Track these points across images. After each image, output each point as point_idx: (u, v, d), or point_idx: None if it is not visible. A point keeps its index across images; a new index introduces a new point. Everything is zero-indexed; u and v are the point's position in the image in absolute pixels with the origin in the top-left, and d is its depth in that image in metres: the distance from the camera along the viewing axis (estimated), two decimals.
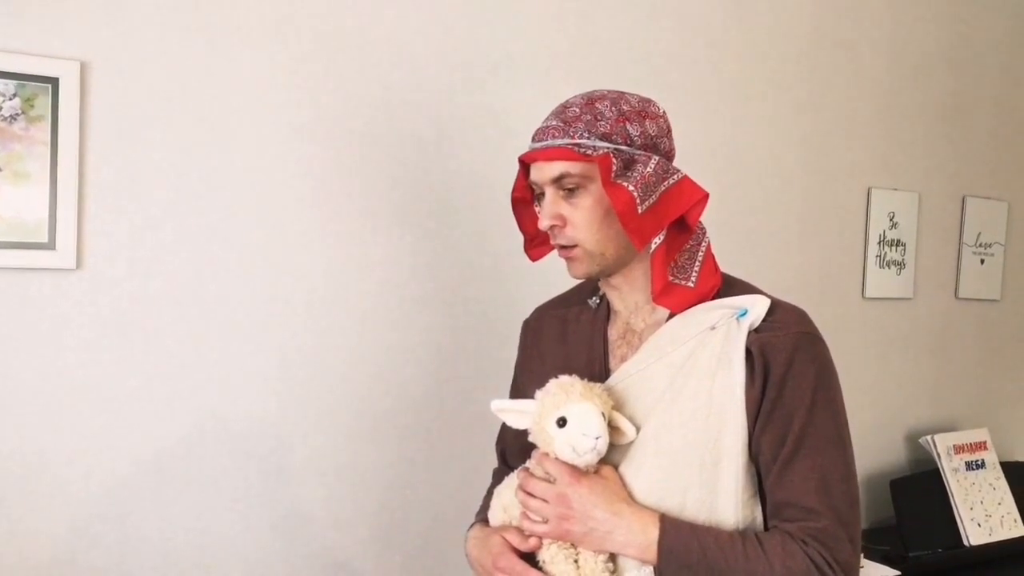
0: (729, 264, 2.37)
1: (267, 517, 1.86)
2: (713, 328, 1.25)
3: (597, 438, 1.20)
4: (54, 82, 1.62)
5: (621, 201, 1.21)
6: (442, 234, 2.02)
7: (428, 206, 2.00)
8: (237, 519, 1.83)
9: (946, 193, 2.89)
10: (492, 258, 2.09)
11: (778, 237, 2.52)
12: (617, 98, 1.29)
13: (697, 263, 1.30)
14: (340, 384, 1.93)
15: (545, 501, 1.23)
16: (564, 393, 1.23)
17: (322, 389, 1.91)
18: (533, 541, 1.26)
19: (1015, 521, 2.70)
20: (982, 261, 2.99)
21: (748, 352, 1.22)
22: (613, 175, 1.21)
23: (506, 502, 1.34)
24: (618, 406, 1.27)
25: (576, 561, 1.24)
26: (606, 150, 1.23)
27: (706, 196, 1.26)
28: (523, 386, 1.43)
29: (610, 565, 1.22)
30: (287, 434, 1.87)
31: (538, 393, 1.26)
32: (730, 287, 1.33)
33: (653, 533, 1.18)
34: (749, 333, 1.23)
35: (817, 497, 1.18)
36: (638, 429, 1.25)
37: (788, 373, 1.21)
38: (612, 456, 1.26)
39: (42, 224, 1.63)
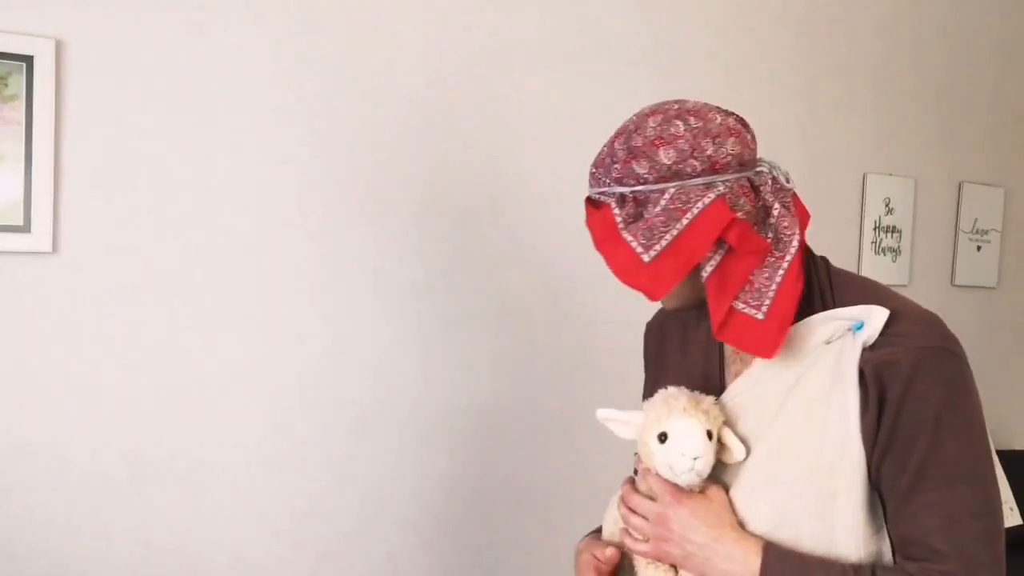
0: None
1: (250, 507, 1.83)
2: (828, 343, 1.11)
3: (696, 459, 1.11)
4: (28, 60, 1.58)
5: (616, 263, 1.12)
6: (430, 221, 1.98)
7: (415, 193, 1.97)
8: (219, 509, 1.80)
9: (942, 179, 2.86)
10: (481, 246, 2.05)
11: None
12: (636, 128, 1.14)
13: (775, 284, 1.11)
14: (325, 372, 1.89)
15: (646, 519, 1.18)
16: (667, 407, 1.15)
17: (306, 377, 1.87)
18: (610, 551, 1.23)
19: (1011, 510, 2.68)
20: (978, 248, 2.95)
21: (862, 373, 1.07)
22: (620, 226, 1.12)
23: (616, 515, 1.26)
24: (731, 423, 1.17)
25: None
26: (611, 200, 1.14)
27: (733, 219, 1.09)
28: (651, 393, 1.28)
29: None
30: (270, 423, 1.84)
31: (645, 404, 1.19)
32: (846, 289, 1.16)
33: (755, 563, 1.09)
34: (864, 350, 1.08)
35: (942, 536, 1.04)
36: (749, 450, 1.15)
37: (907, 395, 1.05)
38: (724, 476, 1.17)
39: (17, 206, 1.59)
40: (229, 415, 1.80)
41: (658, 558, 1.18)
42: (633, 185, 1.13)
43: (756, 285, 1.11)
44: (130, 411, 1.71)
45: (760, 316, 1.10)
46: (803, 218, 1.17)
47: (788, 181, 1.18)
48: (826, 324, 1.12)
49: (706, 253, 1.10)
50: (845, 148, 2.63)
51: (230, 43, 1.76)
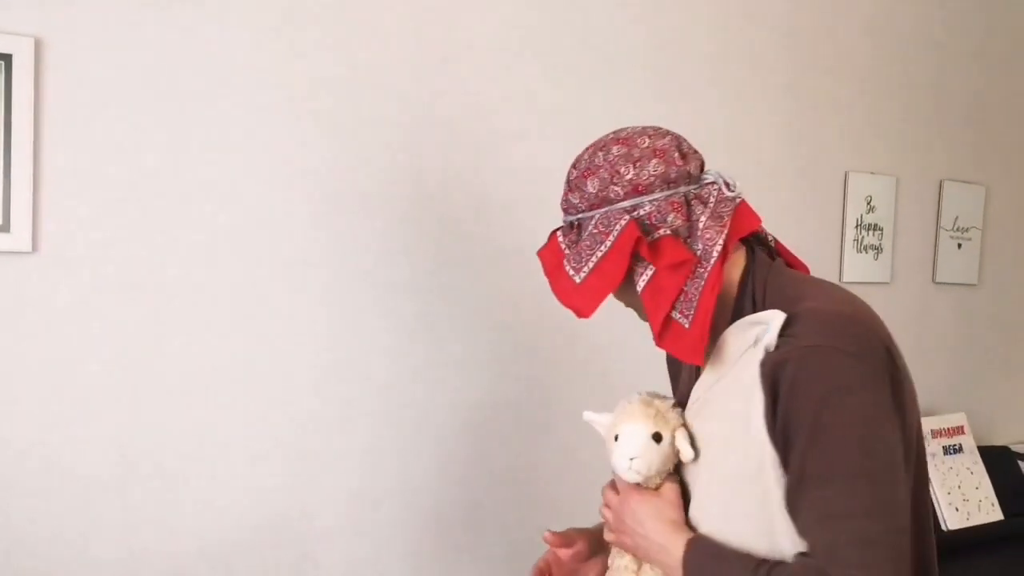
0: None
1: (234, 506, 1.82)
2: (755, 344, 1.13)
3: (632, 459, 1.21)
4: (7, 59, 1.57)
5: (555, 286, 1.23)
6: (414, 219, 1.98)
7: (399, 190, 1.96)
8: (202, 508, 1.79)
9: (923, 177, 2.88)
10: (466, 244, 2.05)
11: None
12: (575, 162, 1.27)
13: (699, 293, 1.16)
14: (307, 370, 1.88)
15: (611, 510, 1.29)
16: (623, 411, 1.25)
17: (287, 375, 1.87)
18: (574, 549, 1.40)
19: (992, 505, 2.70)
20: (959, 245, 2.98)
21: (765, 374, 1.10)
22: (564, 252, 1.23)
23: None
24: (693, 426, 1.24)
25: (637, 572, 1.28)
26: (559, 230, 1.27)
27: (638, 238, 1.16)
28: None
29: None
30: (251, 421, 1.83)
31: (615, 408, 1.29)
32: (777, 292, 1.19)
33: (679, 554, 1.17)
34: (767, 352, 1.11)
35: (815, 535, 1.07)
36: (698, 452, 1.21)
37: (791, 393, 1.08)
38: (686, 475, 1.25)
39: None
40: (212, 413, 1.79)
41: (619, 546, 1.30)
42: (573, 214, 1.25)
43: (689, 295, 1.17)
44: (113, 411, 1.70)
45: (687, 324, 1.16)
46: (744, 224, 1.22)
47: (732, 189, 1.23)
48: (747, 329, 1.16)
49: (623, 272, 1.17)
50: (827, 147, 2.64)
51: (212, 41, 1.75)
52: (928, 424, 2.72)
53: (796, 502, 1.09)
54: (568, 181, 1.26)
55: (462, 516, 2.08)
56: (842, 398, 1.06)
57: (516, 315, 2.11)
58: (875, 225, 2.75)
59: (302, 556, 1.90)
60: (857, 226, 2.71)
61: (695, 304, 1.16)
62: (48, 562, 1.65)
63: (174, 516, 1.76)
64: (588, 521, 1.44)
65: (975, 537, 2.62)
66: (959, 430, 2.76)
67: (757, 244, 1.28)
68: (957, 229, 2.96)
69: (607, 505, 1.30)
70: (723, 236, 1.17)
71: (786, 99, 2.54)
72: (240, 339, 1.81)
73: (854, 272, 2.71)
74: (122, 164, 1.68)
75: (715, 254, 1.16)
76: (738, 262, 1.24)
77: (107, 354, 1.69)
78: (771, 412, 1.10)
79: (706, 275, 1.16)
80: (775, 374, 1.09)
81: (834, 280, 2.68)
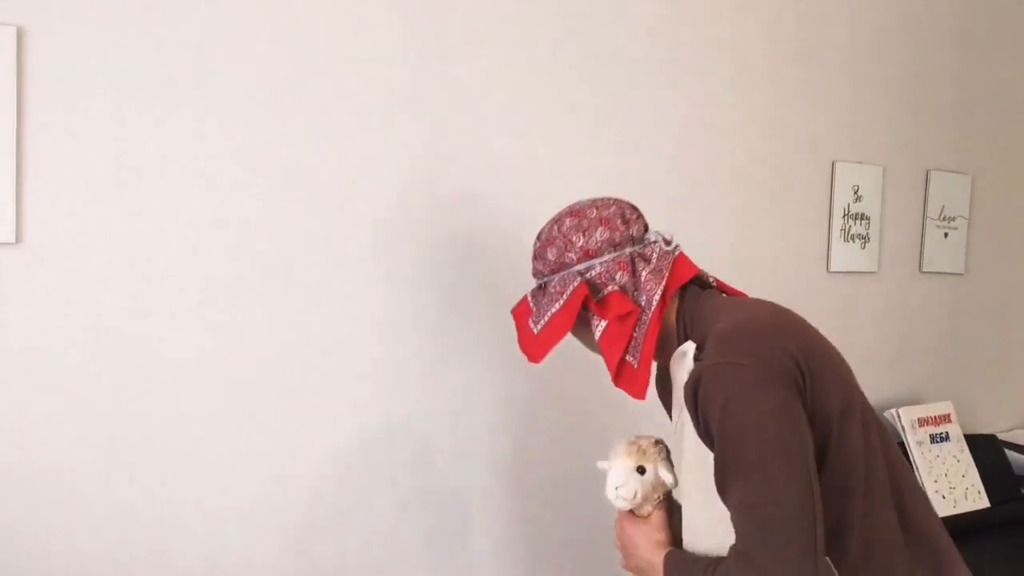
0: (694, 240, 2.36)
1: (222, 498, 1.82)
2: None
3: (616, 487, 1.43)
4: None
5: (520, 336, 1.47)
6: (402, 210, 1.98)
7: (387, 181, 1.95)
8: (189, 500, 1.78)
9: (910, 167, 2.89)
10: (452, 234, 2.04)
11: (743, 211, 2.50)
12: (538, 235, 1.49)
13: (643, 336, 1.38)
14: (293, 361, 1.88)
15: (618, 540, 1.51)
16: (613, 452, 1.48)
17: (274, 366, 1.86)
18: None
19: (979, 493, 2.72)
20: (946, 235, 2.99)
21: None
22: (532, 308, 1.46)
23: None
24: (677, 452, 1.43)
25: None
26: (529, 292, 1.49)
27: (586, 296, 1.39)
28: None
29: None
30: (235, 412, 1.83)
31: None
32: (701, 322, 1.38)
33: (660, 565, 1.40)
34: (689, 375, 1.30)
35: (734, 525, 1.24)
36: (677, 480, 1.44)
37: (702, 407, 1.27)
38: (681, 500, 1.44)
39: None
40: (195, 405, 1.78)
41: (630, 571, 1.51)
42: (540, 278, 1.48)
43: (637, 340, 1.38)
44: (97, 402, 1.69)
45: (636, 365, 1.38)
46: (681, 274, 1.42)
47: (669, 245, 1.44)
48: (680, 360, 1.36)
49: (570, 326, 1.39)
50: (814, 136, 2.64)
51: (199, 30, 1.74)
52: (914, 413, 2.73)
53: (723, 499, 1.27)
54: (533, 251, 1.49)
55: (451, 515, 2.08)
56: (736, 405, 1.23)
57: (500, 304, 2.11)
58: (862, 214, 2.75)
59: (298, 553, 1.89)
60: (844, 215, 2.71)
61: (642, 346, 1.37)
62: (32, 557, 1.64)
63: (160, 505, 1.76)
64: None
65: (962, 525, 2.63)
66: (945, 419, 2.78)
67: (697, 283, 1.46)
68: (943, 218, 2.98)
69: (617, 536, 1.51)
70: (661, 287, 1.38)
71: (773, 89, 2.54)
72: (225, 330, 1.80)
73: (841, 262, 2.72)
74: (106, 154, 1.67)
75: (654, 303, 1.37)
76: (675, 305, 1.42)
77: (90, 347, 1.68)
78: (699, 426, 1.29)
79: (648, 321, 1.37)
80: (694, 393, 1.27)
81: (822, 270, 2.69)
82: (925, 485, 2.61)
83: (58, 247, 1.64)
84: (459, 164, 2.04)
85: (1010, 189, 3.16)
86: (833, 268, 2.70)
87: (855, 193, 2.73)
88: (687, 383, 1.30)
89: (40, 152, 1.62)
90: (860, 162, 2.74)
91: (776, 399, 1.23)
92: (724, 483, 1.28)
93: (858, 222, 2.75)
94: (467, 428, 2.09)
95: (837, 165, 2.68)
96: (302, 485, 1.90)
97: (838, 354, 1.38)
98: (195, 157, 1.75)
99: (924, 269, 2.94)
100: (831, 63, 2.66)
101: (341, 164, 1.90)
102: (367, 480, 1.98)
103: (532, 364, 1.46)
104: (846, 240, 2.73)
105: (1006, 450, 2.89)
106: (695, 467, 1.35)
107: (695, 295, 1.41)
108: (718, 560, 1.28)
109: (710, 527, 1.33)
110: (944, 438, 2.75)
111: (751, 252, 2.52)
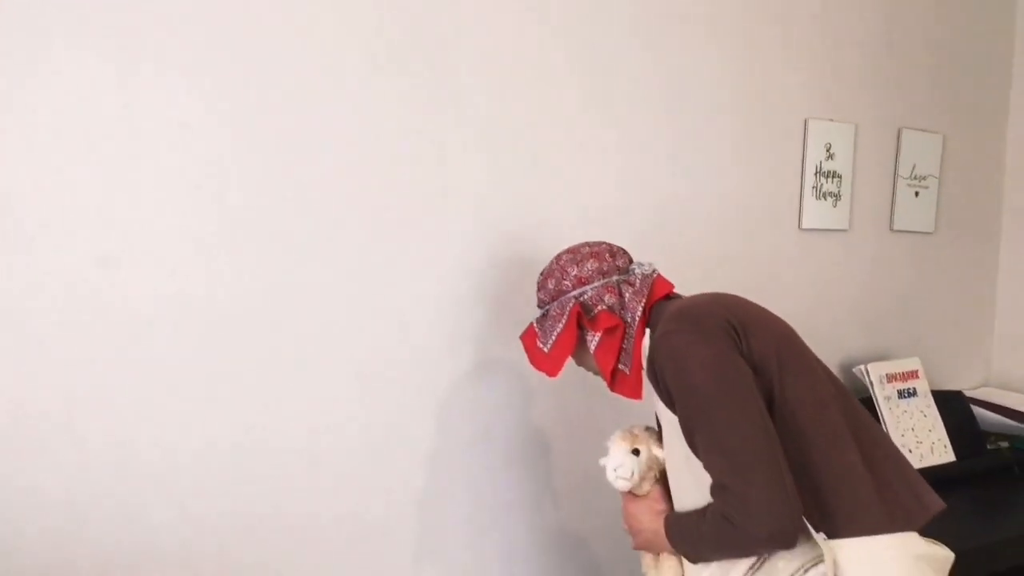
0: (668, 197, 2.35)
1: (190, 442, 1.81)
2: None
3: (614, 468, 1.65)
4: None
5: (530, 356, 1.70)
6: (398, 193, 1.97)
7: (373, 120, 1.94)
8: (156, 444, 1.78)
9: (882, 125, 2.89)
10: (442, 221, 2.04)
11: (716, 168, 2.50)
12: (543, 271, 1.75)
13: (632, 346, 1.61)
14: (269, 308, 1.87)
15: (625, 522, 1.71)
16: (610, 441, 1.69)
17: (249, 316, 1.85)
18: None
19: (945, 447, 2.76)
20: (916, 194, 3.01)
21: None
22: (537, 332, 1.70)
23: None
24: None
25: (656, 563, 1.68)
26: (533, 321, 1.73)
27: (577, 311, 1.63)
28: None
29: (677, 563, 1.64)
30: (217, 401, 1.82)
31: None
32: (658, 315, 1.60)
33: (662, 530, 1.59)
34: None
35: (706, 469, 1.42)
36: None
37: (662, 374, 1.48)
38: (670, 477, 1.64)
39: None
40: (163, 352, 1.77)
41: (639, 548, 1.70)
42: (542, 307, 1.73)
43: (627, 350, 1.62)
44: (61, 348, 1.67)
45: (628, 371, 1.63)
46: (658, 291, 1.65)
47: (648, 269, 1.69)
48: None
49: (575, 340, 1.63)
50: (787, 93, 2.64)
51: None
52: (883, 368, 2.77)
53: (695, 451, 1.45)
54: (537, 284, 1.74)
55: (438, 510, 2.08)
56: (683, 360, 1.45)
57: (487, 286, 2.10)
58: (834, 172, 2.76)
59: (273, 506, 1.89)
60: (816, 173, 2.72)
61: (631, 355, 1.61)
62: None
63: (141, 512, 1.76)
64: None
65: (928, 478, 2.64)
66: (913, 375, 2.81)
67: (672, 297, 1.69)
68: (915, 177, 2.99)
69: (624, 520, 1.70)
70: (642, 304, 1.62)
71: (745, 46, 2.53)
72: (199, 275, 1.79)
73: (812, 219, 2.73)
74: (69, 100, 1.64)
75: (638, 317, 1.62)
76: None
77: (58, 293, 1.66)
78: (662, 393, 1.50)
79: (634, 334, 1.61)
80: (651, 365, 1.52)
81: (794, 227, 2.71)
82: (893, 438, 2.64)
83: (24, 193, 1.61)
84: (456, 147, 2.02)
85: (980, 149, 3.19)
86: (805, 225, 2.71)
87: (827, 151, 2.74)
88: (646, 360, 1.55)
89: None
90: (833, 120, 2.75)
91: (716, 348, 1.44)
92: (690, 434, 1.45)
93: (830, 180, 2.76)
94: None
95: (810, 122, 2.69)
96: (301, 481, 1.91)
97: (777, 319, 1.58)
98: (154, 133, 1.72)
99: (894, 227, 2.96)
100: (805, 21, 2.65)
101: (329, 149, 1.88)
102: (345, 430, 1.98)
103: (550, 378, 1.69)
104: (818, 198, 2.74)
105: (972, 406, 2.94)
106: (672, 435, 1.53)
107: (663, 305, 1.63)
108: (707, 505, 1.45)
109: (695, 487, 1.49)
110: (912, 393, 2.78)
111: (724, 209, 2.52)
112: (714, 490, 1.42)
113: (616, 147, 2.30)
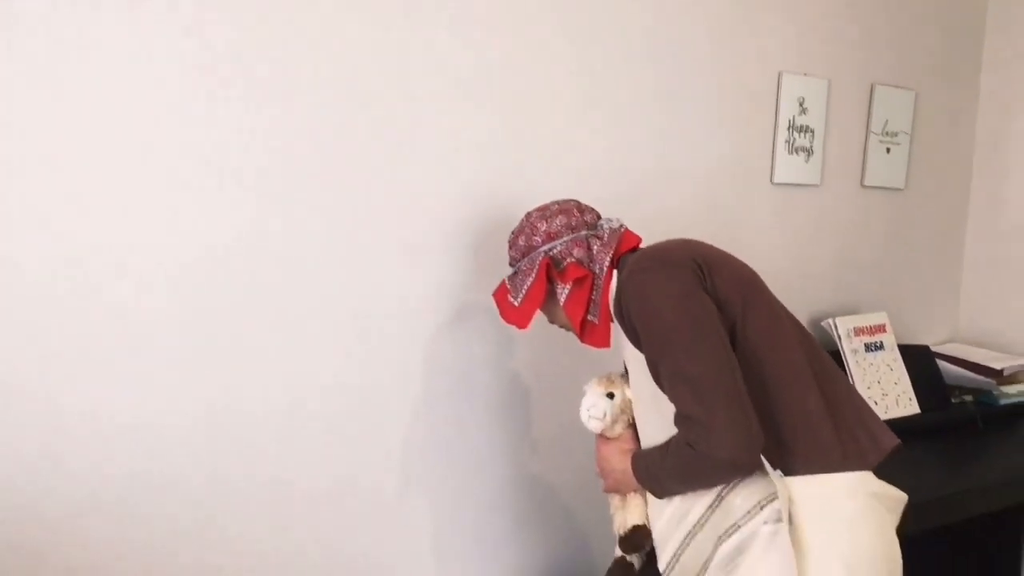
0: (640, 150, 2.35)
1: (171, 411, 1.81)
2: None
3: (587, 409, 1.72)
4: None
5: (501, 309, 1.74)
6: (396, 178, 1.95)
7: (366, 149, 1.92)
8: (137, 401, 1.77)
9: (855, 80, 2.90)
10: (420, 176, 2.03)
11: (689, 121, 2.50)
12: (513, 229, 1.79)
13: (600, 296, 1.65)
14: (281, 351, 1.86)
15: (597, 465, 1.77)
16: (587, 385, 1.77)
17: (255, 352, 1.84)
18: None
19: (910, 400, 2.81)
20: (888, 150, 3.02)
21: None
22: (508, 287, 1.73)
23: None
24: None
25: (623, 504, 1.74)
26: (505, 278, 1.77)
27: (546, 264, 1.67)
28: None
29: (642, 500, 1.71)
30: (194, 363, 1.81)
31: None
32: (626, 263, 1.63)
33: (629, 468, 1.65)
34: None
35: (672, 399, 1.47)
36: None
37: (625, 312, 1.54)
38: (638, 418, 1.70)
39: None
40: (139, 296, 1.76)
41: (609, 491, 1.76)
42: (514, 264, 1.76)
43: (595, 301, 1.65)
44: (31, 300, 1.66)
45: (596, 321, 1.66)
46: (625, 244, 1.68)
47: (618, 223, 1.73)
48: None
49: (544, 293, 1.67)
50: (761, 47, 2.64)
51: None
52: (850, 322, 2.80)
53: (659, 384, 1.50)
54: (508, 242, 1.77)
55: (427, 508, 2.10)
56: (648, 296, 1.50)
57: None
58: (807, 127, 2.77)
59: (257, 466, 1.90)
60: (789, 128, 2.73)
61: (600, 305, 1.64)
62: None
63: (101, 401, 1.75)
64: None
65: (893, 429, 2.71)
66: (880, 328, 2.85)
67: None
68: (886, 133, 3.01)
69: (596, 462, 1.77)
70: (610, 256, 1.65)
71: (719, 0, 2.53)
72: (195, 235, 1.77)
73: (785, 174, 2.74)
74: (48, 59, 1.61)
75: (605, 268, 1.65)
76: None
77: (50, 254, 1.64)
78: (629, 331, 1.55)
79: (602, 284, 1.65)
80: (618, 304, 1.58)
81: (766, 181, 2.72)
82: (859, 390, 2.68)
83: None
84: (450, 132, 2.01)
85: (952, 107, 3.20)
86: (777, 180, 2.72)
87: (800, 105, 2.75)
88: (613, 301, 1.60)
89: None
90: (806, 74, 2.75)
91: (680, 283, 1.49)
92: (655, 367, 1.49)
93: (803, 135, 2.77)
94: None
95: (783, 76, 2.69)
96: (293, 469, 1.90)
97: (743, 265, 1.63)
98: (145, 124, 1.70)
99: (865, 183, 2.98)
100: None
101: (319, 137, 1.86)
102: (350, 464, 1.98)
103: (520, 331, 1.75)
104: (790, 152, 2.75)
105: (938, 361, 2.98)
106: (639, 372, 1.57)
107: (631, 255, 1.65)
108: (671, 438, 1.51)
109: (661, 424, 1.54)
110: (879, 347, 2.82)
111: (697, 163, 2.53)
112: (678, 419, 1.46)
113: (592, 103, 2.29)
